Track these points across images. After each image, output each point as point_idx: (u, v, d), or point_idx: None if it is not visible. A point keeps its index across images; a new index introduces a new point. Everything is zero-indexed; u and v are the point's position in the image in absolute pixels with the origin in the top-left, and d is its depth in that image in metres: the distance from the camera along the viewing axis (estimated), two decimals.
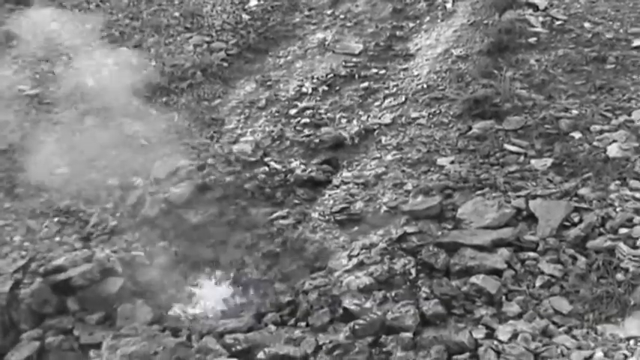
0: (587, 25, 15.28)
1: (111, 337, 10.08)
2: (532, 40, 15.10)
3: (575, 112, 13.00)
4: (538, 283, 10.05)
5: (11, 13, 18.69)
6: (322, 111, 14.86)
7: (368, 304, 10.35)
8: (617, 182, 11.34)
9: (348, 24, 17.48)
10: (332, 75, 15.78)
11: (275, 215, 12.70)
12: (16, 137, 14.33)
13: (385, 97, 14.81)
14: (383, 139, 13.71)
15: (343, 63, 16.10)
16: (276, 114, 15.07)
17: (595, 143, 12.23)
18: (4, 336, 10.44)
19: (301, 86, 15.71)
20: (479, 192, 11.79)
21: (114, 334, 10.18)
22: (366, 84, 15.35)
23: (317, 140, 14.10)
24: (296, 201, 12.95)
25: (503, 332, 9.33)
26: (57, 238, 12.34)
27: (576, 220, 10.81)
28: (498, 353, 9.02)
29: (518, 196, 11.47)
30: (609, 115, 12.86)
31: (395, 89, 14.93)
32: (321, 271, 11.40)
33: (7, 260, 11.78)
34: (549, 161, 12.14)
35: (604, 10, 15.62)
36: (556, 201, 11.15)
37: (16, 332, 10.67)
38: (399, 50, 16.27)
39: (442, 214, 11.69)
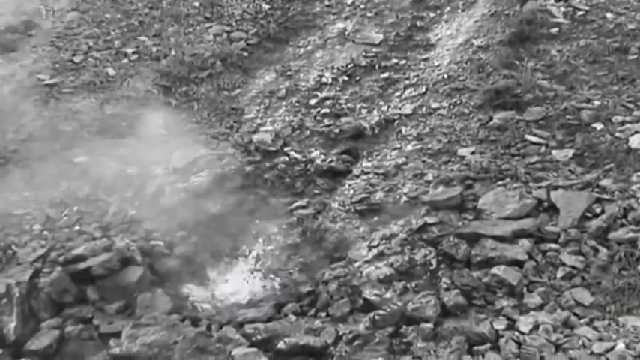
0: (609, 15, 15.19)
1: (130, 326, 10.06)
2: (553, 30, 15.04)
3: (596, 103, 12.94)
4: (559, 275, 9.98)
5: (31, 1, 18.71)
6: (342, 101, 14.85)
7: (388, 295, 10.32)
8: (639, 174, 11.26)
9: (369, 14, 17.47)
10: (352, 65, 15.78)
11: (295, 205, 12.71)
12: (36, 126, 14.34)
13: (405, 88, 14.79)
14: (403, 129, 13.69)
15: (363, 53, 16.10)
16: (296, 104, 15.07)
17: (617, 134, 12.15)
18: (24, 324, 10.43)
19: (321, 76, 15.71)
20: (500, 183, 11.74)
21: (133, 323, 10.15)
22: (386, 74, 15.33)
23: (337, 130, 14.09)
24: (316, 191, 12.96)
25: (524, 323, 9.27)
26: (76, 227, 12.35)
27: (598, 211, 10.74)
28: (519, 344, 8.95)
29: (540, 187, 11.41)
30: (631, 106, 12.78)
31: (415, 79, 14.91)
32: (341, 261, 11.40)
33: (27, 249, 11.82)
34: (570, 152, 12.08)
35: (626, 1, 15.52)
36: (577, 192, 11.08)
37: (36, 321, 10.66)
38: (420, 40, 16.26)
39: (463, 204, 11.65)
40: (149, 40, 17.55)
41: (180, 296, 11.21)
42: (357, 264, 11.10)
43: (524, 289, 9.93)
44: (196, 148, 13.86)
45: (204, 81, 16.04)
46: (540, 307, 9.58)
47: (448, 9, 16.93)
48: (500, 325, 9.38)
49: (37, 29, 17.44)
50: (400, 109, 14.18)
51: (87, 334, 10.45)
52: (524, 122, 12.93)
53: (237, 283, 11.63)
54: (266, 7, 18.36)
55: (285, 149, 13.87)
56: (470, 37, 15.52)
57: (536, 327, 9.19)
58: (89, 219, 12.53)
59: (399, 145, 13.32)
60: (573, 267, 10.01)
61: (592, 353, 8.65)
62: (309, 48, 16.92)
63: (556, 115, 12.89)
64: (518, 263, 10.24)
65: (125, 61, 16.71)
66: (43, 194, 13.04)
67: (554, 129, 12.65)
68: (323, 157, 13.56)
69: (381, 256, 11.09)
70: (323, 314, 10.40)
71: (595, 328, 9.09)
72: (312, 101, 15.02)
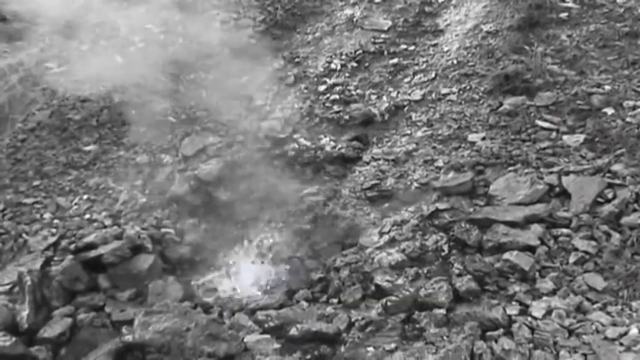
0: None
1: (143, 314, 10.04)
2: (563, 15, 14.97)
3: (607, 87, 12.87)
4: (572, 260, 9.96)
5: None
6: (351, 87, 14.81)
7: (400, 281, 10.31)
8: None
9: (377, 0, 17.39)
10: (361, 51, 15.74)
11: (305, 192, 12.70)
12: (44, 115, 14.32)
13: (415, 74, 14.74)
14: (413, 115, 13.66)
15: (372, 39, 16.05)
16: (305, 91, 15.04)
17: (628, 119, 12.08)
18: (36, 313, 10.44)
19: (330, 63, 15.66)
20: (511, 168, 11.71)
21: (146, 310, 10.15)
22: (395, 60, 15.29)
23: (346, 117, 14.07)
24: (326, 178, 12.96)
25: (537, 309, 9.26)
26: (87, 216, 12.36)
27: (610, 196, 10.69)
28: (532, 330, 8.95)
29: (551, 173, 11.36)
30: None
31: (424, 65, 14.87)
32: (352, 247, 11.40)
33: (38, 237, 11.84)
34: (582, 137, 12.01)
35: None
36: (589, 177, 11.03)
37: (48, 309, 10.68)
38: (428, 26, 16.20)
39: (474, 190, 11.62)
40: (156, 27, 17.49)
41: (191, 284, 11.23)
42: (368, 250, 11.10)
43: (537, 274, 9.91)
44: (205, 136, 13.84)
45: (212, 68, 15.99)
46: (553, 293, 9.56)
47: None
48: (513, 310, 9.37)
49: (44, 17, 17.38)
50: (410, 95, 14.15)
51: (99, 322, 10.49)
52: (535, 107, 12.87)
53: (248, 271, 11.65)
54: None
55: (295, 136, 13.86)
56: (479, 22, 15.45)
57: (549, 312, 9.18)
58: (99, 207, 12.54)
59: (408, 131, 13.30)
60: (586, 252, 9.98)
61: (606, 338, 8.65)
62: (317, 35, 16.87)
63: (566, 100, 12.83)
64: (530, 249, 10.22)
65: (133, 49, 16.67)
66: (53, 183, 13.04)
67: (565, 114, 12.60)
68: (333, 143, 13.54)
69: (392, 242, 11.09)
70: (335, 301, 10.43)
71: (608, 313, 9.08)
72: (321, 88, 14.99)
